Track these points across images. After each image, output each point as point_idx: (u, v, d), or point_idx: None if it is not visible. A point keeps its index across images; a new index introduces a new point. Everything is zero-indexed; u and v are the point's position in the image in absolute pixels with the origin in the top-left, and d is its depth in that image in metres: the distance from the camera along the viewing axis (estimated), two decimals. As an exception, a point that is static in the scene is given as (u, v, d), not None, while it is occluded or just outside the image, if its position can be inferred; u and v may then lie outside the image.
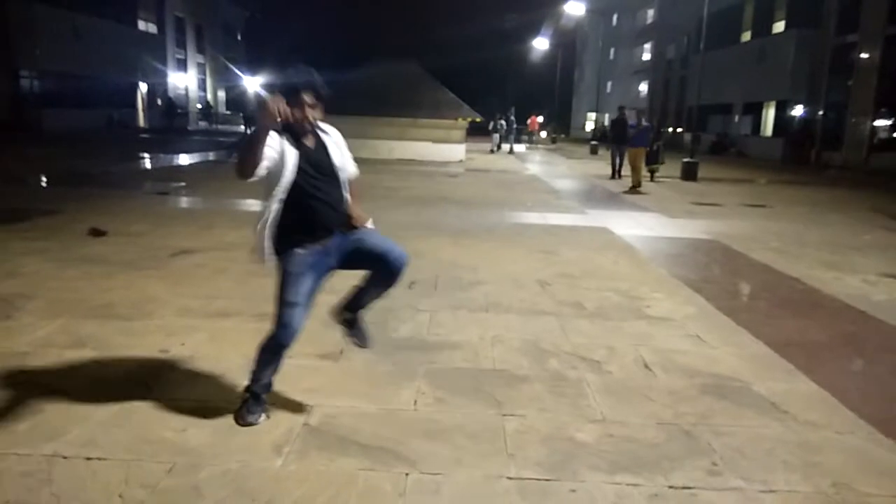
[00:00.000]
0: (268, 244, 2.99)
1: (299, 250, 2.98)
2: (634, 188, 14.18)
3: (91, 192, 10.76)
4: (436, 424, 3.12)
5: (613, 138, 17.37)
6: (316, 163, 2.96)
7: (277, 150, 2.85)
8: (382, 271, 3.13)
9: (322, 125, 3.05)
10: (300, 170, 2.90)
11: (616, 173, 17.01)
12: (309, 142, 2.98)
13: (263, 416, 3.09)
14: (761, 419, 3.32)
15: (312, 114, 2.93)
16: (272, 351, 3.06)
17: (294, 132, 2.92)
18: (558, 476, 2.72)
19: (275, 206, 2.95)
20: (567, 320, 4.82)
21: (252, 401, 3.09)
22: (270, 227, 2.98)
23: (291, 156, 2.88)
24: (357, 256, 3.10)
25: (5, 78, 29.66)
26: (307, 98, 2.89)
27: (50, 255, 6.12)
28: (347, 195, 3.11)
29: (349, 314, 3.34)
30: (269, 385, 3.16)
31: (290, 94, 2.84)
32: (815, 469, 2.85)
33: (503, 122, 29.22)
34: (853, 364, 4.33)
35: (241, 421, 3.04)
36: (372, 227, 3.21)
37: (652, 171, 16.20)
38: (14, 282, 5.23)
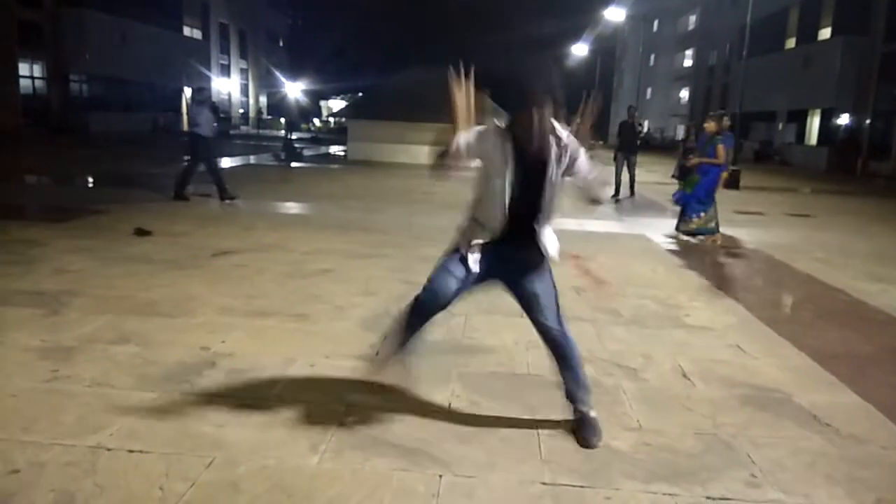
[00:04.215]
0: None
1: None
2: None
3: (136, 194, 11.03)
4: (470, 427, 3.12)
5: (620, 146, 14.04)
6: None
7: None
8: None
9: (559, 130, 2.80)
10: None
11: (619, 190, 13.66)
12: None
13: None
14: (802, 431, 3.25)
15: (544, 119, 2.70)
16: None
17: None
18: (593, 483, 2.69)
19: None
20: (603, 327, 4.78)
21: None
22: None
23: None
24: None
25: (56, 82, 30.64)
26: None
27: (96, 254, 6.29)
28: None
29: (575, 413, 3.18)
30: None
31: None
32: (858, 484, 2.78)
33: None
34: (900, 378, 4.20)
35: None
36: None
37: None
38: (61, 278, 5.38)
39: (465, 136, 2.77)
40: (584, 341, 4.41)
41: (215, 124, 10.76)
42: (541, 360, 4.03)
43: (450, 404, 3.37)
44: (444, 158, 2.77)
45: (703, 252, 8.34)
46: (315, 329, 4.46)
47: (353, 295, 5.31)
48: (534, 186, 2.81)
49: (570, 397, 3.16)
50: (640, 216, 11.37)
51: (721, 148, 8.71)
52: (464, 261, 2.95)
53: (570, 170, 2.86)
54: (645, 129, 13.39)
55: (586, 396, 3.15)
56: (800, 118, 32.69)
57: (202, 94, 11.03)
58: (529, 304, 3.03)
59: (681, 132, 42.59)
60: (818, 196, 17.20)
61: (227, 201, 10.46)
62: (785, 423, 3.33)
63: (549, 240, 2.95)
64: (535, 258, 2.97)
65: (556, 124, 2.80)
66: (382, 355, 3.30)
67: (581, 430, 3.07)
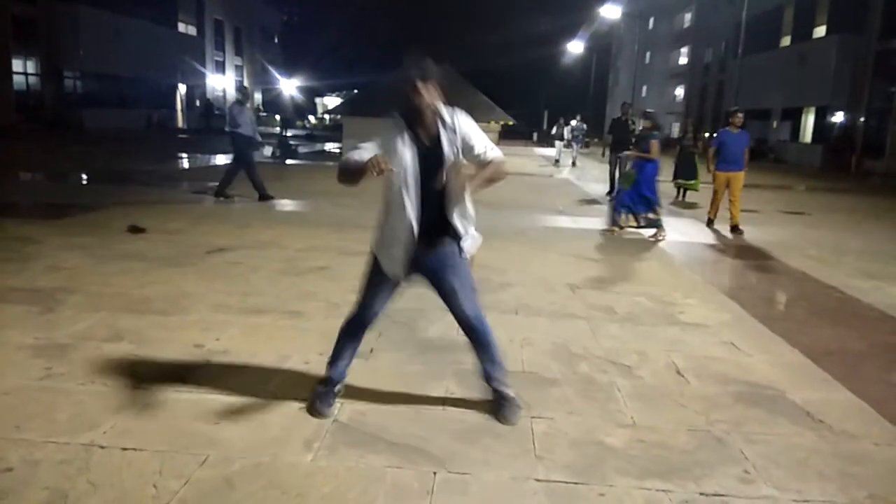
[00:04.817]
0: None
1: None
2: (735, 229, 9.57)
3: (130, 190, 11.00)
4: (464, 424, 3.13)
5: (613, 144, 13.47)
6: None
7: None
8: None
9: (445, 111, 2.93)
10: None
11: (613, 187, 13.17)
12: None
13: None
14: (796, 428, 3.26)
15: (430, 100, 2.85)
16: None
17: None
18: (587, 480, 2.70)
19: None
20: (598, 324, 4.79)
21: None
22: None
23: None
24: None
25: (50, 78, 30.51)
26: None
27: (90, 251, 6.27)
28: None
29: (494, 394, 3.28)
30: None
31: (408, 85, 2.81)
32: (851, 480, 2.79)
33: (570, 127, 24.14)
34: (892, 375, 4.21)
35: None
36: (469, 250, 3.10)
37: (682, 188, 13.59)
38: (55, 276, 5.37)
39: (370, 149, 2.86)
40: (578, 338, 4.44)
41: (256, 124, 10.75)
42: (535, 357, 4.05)
43: (444, 402, 3.37)
44: (353, 176, 2.85)
45: (697, 250, 8.36)
46: (309, 326, 4.46)
47: (347, 292, 5.28)
48: (435, 172, 2.87)
49: (488, 378, 3.25)
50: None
51: (654, 143, 8.84)
52: (390, 270, 3.04)
53: (466, 152, 2.93)
54: (639, 127, 12.96)
55: (503, 376, 3.27)
56: (794, 116, 32.75)
57: (244, 95, 10.97)
58: (448, 297, 3.12)
59: (676, 130, 42.62)
60: (812, 194, 17.25)
61: (266, 201, 10.46)
62: (778, 420, 3.34)
63: (463, 226, 3.01)
64: (448, 249, 3.02)
65: (443, 109, 2.92)
66: (323, 393, 3.25)
67: (501, 409, 3.19)
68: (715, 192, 9.87)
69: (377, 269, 3.08)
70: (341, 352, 3.27)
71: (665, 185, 13.91)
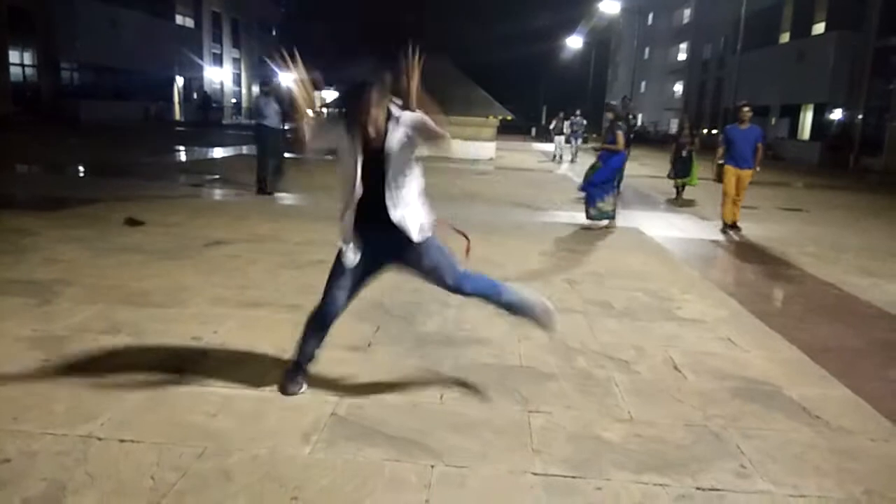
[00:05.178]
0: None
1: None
2: (733, 226, 9.34)
3: (128, 183, 10.97)
4: (462, 418, 3.13)
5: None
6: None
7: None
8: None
9: (396, 113, 3.01)
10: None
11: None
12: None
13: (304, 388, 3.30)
14: (792, 423, 3.27)
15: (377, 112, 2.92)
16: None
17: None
18: (584, 474, 2.71)
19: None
20: (595, 319, 4.80)
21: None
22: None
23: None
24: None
25: (47, 70, 30.37)
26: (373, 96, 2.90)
27: (88, 243, 6.25)
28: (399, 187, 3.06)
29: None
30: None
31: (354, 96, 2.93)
32: (847, 475, 2.80)
33: (570, 122, 23.40)
34: (889, 371, 4.23)
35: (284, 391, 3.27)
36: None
37: (679, 186, 13.20)
38: (53, 268, 5.35)
39: (312, 123, 3.09)
40: (576, 333, 4.44)
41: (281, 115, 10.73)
42: (533, 351, 4.05)
43: (442, 395, 3.38)
44: (296, 136, 3.08)
45: (695, 245, 8.37)
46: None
47: (345, 286, 5.30)
48: (377, 166, 2.97)
49: (520, 312, 3.41)
50: (632, 209, 11.38)
51: (620, 135, 8.77)
52: (347, 261, 3.13)
53: (418, 139, 3.03)
54: (639, 123, 12.78)
55: (536, 300, 3.42)
56: (793, 113, 32.79)
57: (269, 86, 10.92)
58: (429, 277, 3.22)
59: (674, 126, 42.60)
60: (811, 190, 17.27)
61: (271, 194, 10.46)
62: (775, 416, 3.35)
63: (412, 217, 3.07)
64: (400, 237, 3.07)
65: (391, 105, 3.00)
66: (291, 372, 3.36)
67: (538, 322, 3.39)
68: (724, 190, 9.27)
69: (339, 261, 3.18)
70: (307, 341, 3.33)
71: (663, 183, 13.94)
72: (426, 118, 3.01)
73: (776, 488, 2.67)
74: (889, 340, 4.85)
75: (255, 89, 53.55)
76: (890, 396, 3.71)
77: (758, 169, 9.20)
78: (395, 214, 3.02)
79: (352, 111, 2.95)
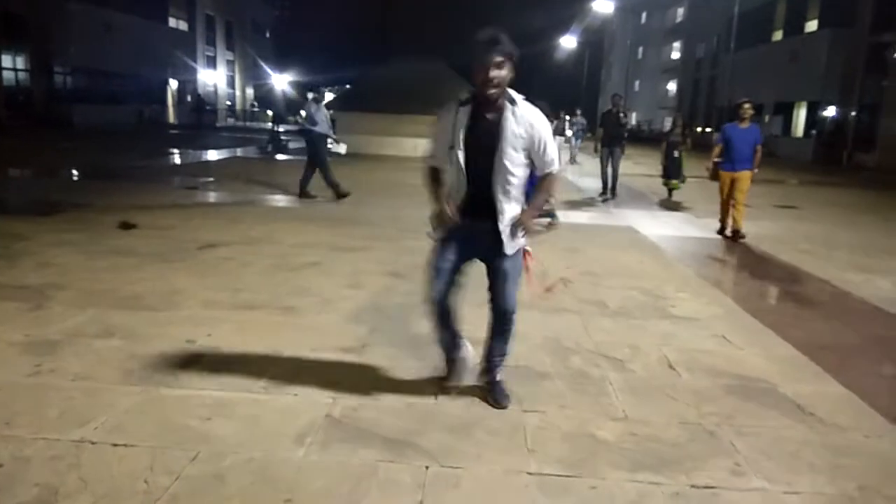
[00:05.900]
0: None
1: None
2: (737, 234, 8.57)
3: (121, 186, 10.94)
4: (457, 419, 3.13)
5: (603, 139, 12.70)
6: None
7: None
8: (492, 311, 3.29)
9: (514, 96, 2.97)
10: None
11: (606, 187, 12.62)
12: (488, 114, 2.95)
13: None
14: (787, 421, 3.28)
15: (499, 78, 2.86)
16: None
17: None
18: (579, 473, 2.71)
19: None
20: (590, 318, 4.80)
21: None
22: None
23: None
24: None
25: (40, 74, 30.27)
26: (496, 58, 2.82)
27: (81, 247, 6.23)
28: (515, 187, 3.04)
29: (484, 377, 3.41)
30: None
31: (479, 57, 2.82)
32: (841, 472, 2.81)
33: (576, 122, 22.85)
34: (883, 367, 4.24)
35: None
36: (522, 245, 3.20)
37: (670, 188, 12.70)
38: (46, 272, 5.33)
39: (432, 150, 3.13)
40: (571, 333, 4.45)
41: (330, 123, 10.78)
42: (528, 351, 4.05)
43: (437, 396, 3.37)
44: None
45: (689, 244, 8.38)
46: (302, 322, 4.45)
47: (340, 287, 5.30)
48: (487, 152, 2.94)
49: (490, 364, 3.37)
50: (627, 208, 11.40)
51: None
52: (442, 241, 3.13)
53: (531, 150, 3.00)
54: (632, 122, 12.54)
55: (502, 364, 3.39)
56: (786, 110, 32.86)
57: (320, 94, 11.00)
58: (495, 276, 3.19)
59: (668, 124, 42.65)
60: (804, 188, 17.31)
61: (342, 198, 10.42)
62: (769, 413, 3.36)
63: (510, 222, 3.05)
64: (497, 231, 3.06)
65: (518, 97, 2.96)
66: (450, 365, 3.42)
67: (493, 393, 3.31)
68: (722, 195, 8.76)
69: (442, 239, 3.15)
70: (437, 338, 3.35)
71: (656, 182, 13.92)
72: (549, 141, 3.00)
73: (770, 485, 2.68)
74: (883, 336, 4.86)
75: (250, 91, 53.57)
76: (884, 393, 3.72)
77: (756, 170, 8.61)
78: (504, 218, 3.02)
79: (475, 79, 2.85)
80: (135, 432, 2.84)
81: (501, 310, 3.22)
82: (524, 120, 2.94)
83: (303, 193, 10.53)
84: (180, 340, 3.94)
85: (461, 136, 2.94)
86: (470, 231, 3.07)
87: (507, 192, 3.01)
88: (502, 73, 2.85)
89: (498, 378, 3.36)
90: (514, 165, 2.98)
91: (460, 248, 3.13)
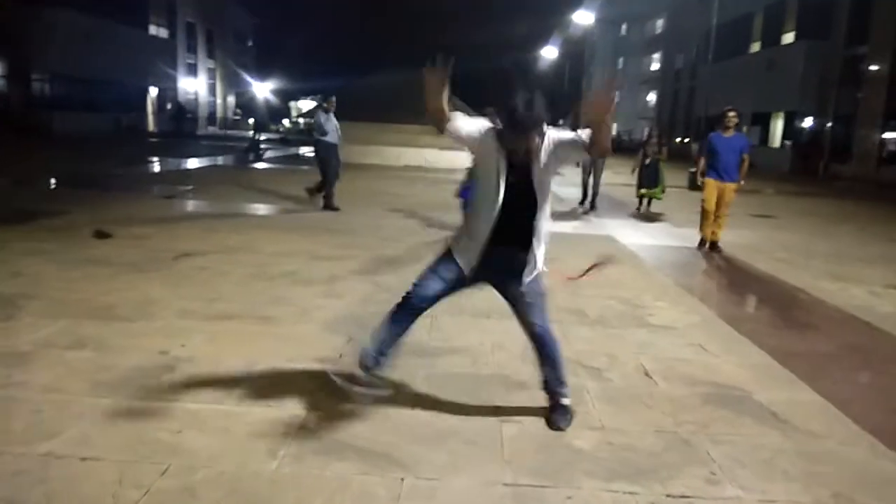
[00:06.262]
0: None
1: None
2: (714, 246, 8.45)
3: (98, 195, 10.81)
4: (433, 429, 3.10)
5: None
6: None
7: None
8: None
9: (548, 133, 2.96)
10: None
11: (585, 197, 12.55)
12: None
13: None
14: (761, 428, 3.29)
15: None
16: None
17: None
18: (555, 483, 2.69)
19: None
20: (568, 327, 4.79)
21: None
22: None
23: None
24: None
25: (17, 81, 29.93)
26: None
27: (54, 256, 6.13)
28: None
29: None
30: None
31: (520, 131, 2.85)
32: (815, 479, 2.82)
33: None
34: (857, 375, 4.28)
35: None
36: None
37: (645, 197, 12.48)
38: (17, 282, 5.24)
39: (464, 122, 3.00)
40: (548, 342, 4.42)
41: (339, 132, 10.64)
42: (506, 360, 4.04)
43: (414, 406, 3.34)
44: (441, 118, 2.95)
45: (668, 253, 8.43)
46: (279, 332, 4.40)
47: (317, 297, 5.26)
48: (523, 195, 2.96)
49: (549, 390, 3.29)
50: (606, 217, 11.46)
51: None
52: (455, 264, 3.10)
53: (559, 148, 2.97)
54: (613, 132, 12.38)
55: (563, 389, 3.29)
56: (764, 121, 33.29)
57: (331, 103, 10.74)
58: (516, 304, 3.18)
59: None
60: (781, 197, 17.52)
61: (337, 209, 10.33)
62: (744, 421, 3.37)
63: (540, 249, 3.13)
64: (522, 263, 3.08)
65: (544, 133, 2.94)
66: (362, 359, 3.30)
67: (553, 413, 3.24)
68: (704, 206, 8.43)
69: (447, 258, 3.15)
70: (384, 337, 3.27)
71: (626, 193, 14.01)
72: (557, 135, 2.99)
73: (745, 494, 2.68)
74: (857, 344, 4.91)
75: (231, 99, 53.34)
76: (858, 400, 3.75)
77: (742, 182, 8.37)
78: (536, 248, 3.08)
79: (515, 135, 2.86)
80: (103, 445, 2.78)
81: (533, 333, 3.21)
82: (546, 146, 2.95)
83: (328, 206, 10.37)
84: (153, 352, 3.87)
85: (502, 177, 2.93)
86: (491, 259, 3.06)
87: (539, 229, 3.07)
88: (537, 139, 2.89)
89: (563, 402, 3.27)
90: (546, 193, 3.03)
91: (474, 271, 3.11)
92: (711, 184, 8.37)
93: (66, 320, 4.36)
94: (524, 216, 3.02)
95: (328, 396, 3.38)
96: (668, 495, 2.64)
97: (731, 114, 8.28)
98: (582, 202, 12.68)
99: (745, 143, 8.41)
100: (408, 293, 3.20)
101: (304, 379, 3.60)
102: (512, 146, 2.89)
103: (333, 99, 10.79)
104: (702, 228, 8.59)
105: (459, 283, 3.14)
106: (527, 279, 3.11)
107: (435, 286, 3.14)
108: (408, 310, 3.20)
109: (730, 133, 8.29)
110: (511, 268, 3.10)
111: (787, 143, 30.48)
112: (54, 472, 2.57)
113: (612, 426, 3.23)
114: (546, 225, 3.12)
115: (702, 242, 8.59)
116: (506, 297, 3.22)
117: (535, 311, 3.17)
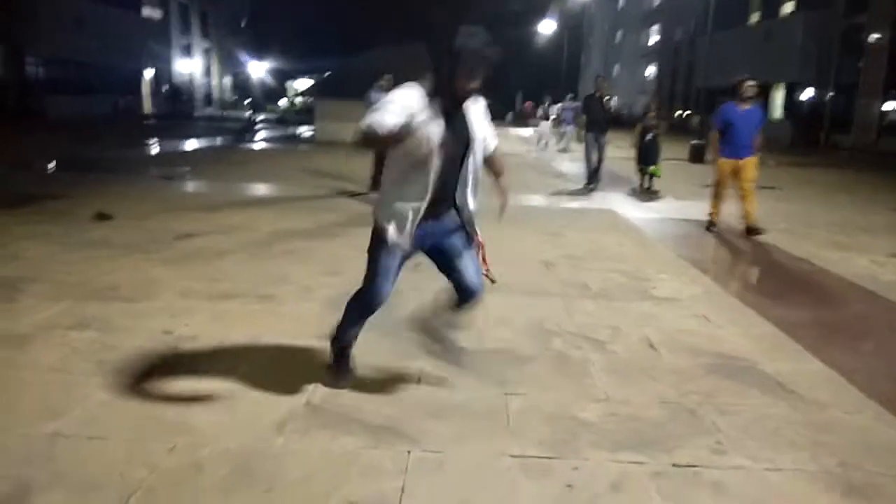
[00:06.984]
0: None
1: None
2: (752, 231, 7.50)
3: (96, 178, 10.76)
4: (438, 403, 3.10)
5: (588, 125, 11.66)
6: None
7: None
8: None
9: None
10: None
11: (592, 176, 11.67)
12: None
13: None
14: (767, 398, 3.29)
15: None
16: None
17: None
18: (561, 454, 2.69)
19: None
20: (571, 301, 4.79)
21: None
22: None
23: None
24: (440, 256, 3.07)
25: (12, 65, 29.71)
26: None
27: (55, 239, 6.11)
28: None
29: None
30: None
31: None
32: (821, 448, 2.82)
33: (559, 107, 21.27)
34: (861, 344, 4.28)
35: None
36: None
37: (645, 174, 11.77)
38: (18, 264, 5.23)
39: (392, 112, 2.56)
40: (552, 315, 4.43)
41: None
42: (509, 334, 4.03)
43: (419, 381, 3.34)
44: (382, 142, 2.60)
45: (670, 225, 8.40)
46: (281, 310, 4.39)
47: (319, 275, 5.24)
48: (459, 156, 2.82)
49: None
50: (607, 191, 11.41)
51: None
52: (395, 248, 2.89)
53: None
54: (613, 105, 12.08)
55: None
56: (764, 92, 33.05)
57: (388, 81, 10.04)
58: (452, 260, 3.03)
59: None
60: (782, 168, 17.41)
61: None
62: (750, 391, 3.37)
63: (473, 204, 3.00)
64: (455, 219, 2.98)
65: (481, 99, 2.89)
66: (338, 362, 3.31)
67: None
68: (717, 186, 7.78)
69: (383, 243, 2.89)
70: (349, 328, 3.23)
71: (626, 168, 13.93)
72: (487, 123, 2.93)
73: (752, 463, 2.68)
74: (861, 313, 4.90)
75: (227, 80, 52.92)
76: (863, 369, 3.75)
77: (759, 155, 7.59)
78: (472, 205, 2.96)
79: (454, 78, 2.67)
80: (110, 425, 2.78)
81: (476, 291, 3.11)
82: (478, 109, 2.90)
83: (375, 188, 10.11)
84: (157, 331, 3.87)
85: (436, 139, 2.68)
86: (432, 228, 2.91)
87: (476, 184, 2.95)
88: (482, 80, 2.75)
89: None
90: (480, 157, 2.93)
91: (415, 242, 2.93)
92: (726, 165, 7.57)
93: (69, 302, 4.35)
94: (458, 180, 2.88)
95: (332, 372, 3.37)
96: (674, 465, 2.64)
97: (750, 83, 7.40)
98: (589, 182, 11.79)
99: (761, 116, 7.65)
100: (363, 294, 3.09)
101: (308, 356, 3.59)
102: (460, 83, 2.67)
103: (390, 76, 10.09)
104: (712, 206, 7.96)
105: (402, 260, 2.99)
106: (460, 236, 3.01)
107: (390, 282, 3.01)
108: (369, 309, 3.15)
109: (747, 106, 7.44)
110: (441, 225, 2.94)
111: (789, 114, 30.26)
112: (62, 451, 2.57)
113: (617, 398, 3.23)
114: (480, 184, 3.00)
115: (710, 224, 7.97)
116: (441, 253, 3.03)
117: (471, 264, 3.06)
